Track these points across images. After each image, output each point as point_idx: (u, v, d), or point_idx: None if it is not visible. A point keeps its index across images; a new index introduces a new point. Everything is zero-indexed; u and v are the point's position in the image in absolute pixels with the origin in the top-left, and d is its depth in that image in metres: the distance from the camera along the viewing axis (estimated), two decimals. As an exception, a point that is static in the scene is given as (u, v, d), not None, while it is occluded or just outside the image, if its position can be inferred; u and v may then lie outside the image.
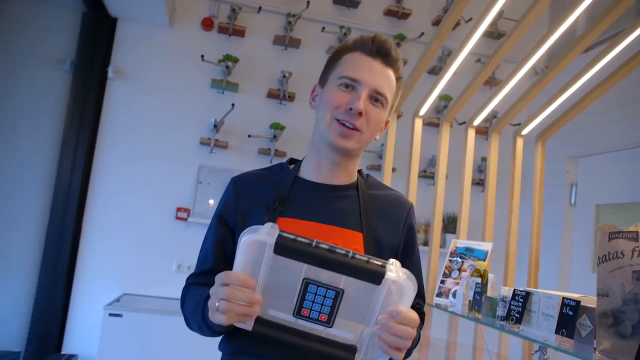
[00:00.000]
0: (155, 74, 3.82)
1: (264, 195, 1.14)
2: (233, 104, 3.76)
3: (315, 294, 0.87)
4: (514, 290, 1.85)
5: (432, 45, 2.57)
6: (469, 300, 2.09)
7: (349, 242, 1.10)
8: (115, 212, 3.68)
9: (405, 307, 0.88)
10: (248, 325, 0.90)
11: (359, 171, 1.24)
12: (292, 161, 1.25)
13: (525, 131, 2.89)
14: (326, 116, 1.11)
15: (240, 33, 3.92)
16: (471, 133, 2.82)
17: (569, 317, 1.56)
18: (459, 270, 2.41)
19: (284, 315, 0.90)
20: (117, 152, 3.72)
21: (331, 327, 0.89)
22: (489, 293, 2.11)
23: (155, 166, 3.77)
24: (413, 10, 4.14)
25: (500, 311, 1.90)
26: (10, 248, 3.51)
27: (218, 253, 1.14)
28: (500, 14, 4.00)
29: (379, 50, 1.12)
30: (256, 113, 3.95)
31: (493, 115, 3.97)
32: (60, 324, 3.52)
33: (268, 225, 0.88)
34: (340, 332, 0.90)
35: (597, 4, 2.14)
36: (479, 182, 4.12)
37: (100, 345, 3.10)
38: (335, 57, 1.17)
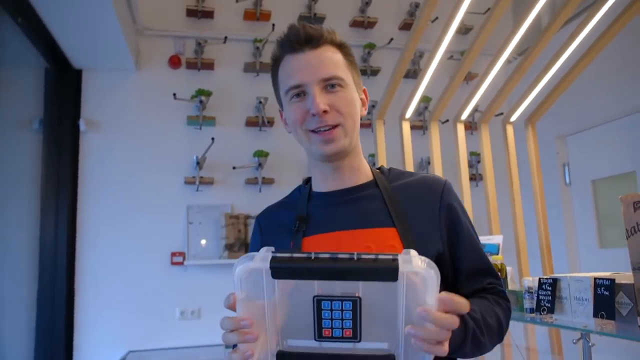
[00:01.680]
0: (129, 120, 3.73)
1: (285, 222, 1.08)
2: (213, 138, 3.67)
3: (331, 309, 0.77)
4: (539, 279, 1.77)
5: (407, 49, 2.54)
6: (492, 298, 2.01)
7: (384, 241, 0.99)
8: (108, 270, 3.54)
9: (431, 300, 0.76)
10: None
11: (379, 168, 1.14)
12: (309, 180, 1.17)
13: (513, 117, 2.87)
14: (300, 135, 1.04)
15: (209, 66, 3.85)
16: (460, 128, 2.78)
17: (606, 297, 1.49)
18: (474, 268, 2.34)
19: (305, 343, 0.79)
20: (101, 206, 3.60)
21: (359, 341, 0.78)
22: (510, 287, 2.04)
23: (143, 214, 3.65)
24: (378, 18, 4.13)
25: (528, 303, 1.82)
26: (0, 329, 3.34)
27: None
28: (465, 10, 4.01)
29: (299, 41, 1.02)
30: (237, 144, 3.86)
31: (475, 109, 3.94)
32: (65, 396, 3.34)
33: (262, 250, 0.79)
34: (372, 343, 0.79)
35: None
36: (472, 177, 4.07)
37: (113, 411, 2.94)
38: (274, 74, 1.08)
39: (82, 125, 3.56)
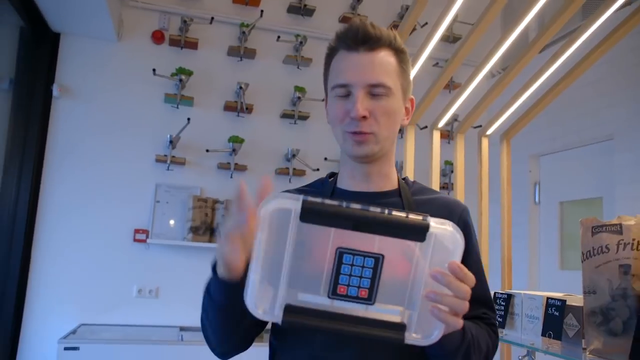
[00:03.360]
0: (105, 90, 3.64)
1: None
2: (189, 119, 3.61)
3: (352, 264, 0.75)
4: (495, 293, 1.78)
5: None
6: (447, 307, 2.02)
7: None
8: (68, 238, 3.46)
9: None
10: (277, 317, 0.77)
11: (404, 178, 1.15)
12: (332, 175, 1.17)
13: (489, 131, 2.88)
14: (337, 132, 1.05)
15: (192, 45, 3.78)
16: (436, 135, 2.78)
17: (555, 317, 1.51)
18: (434, 276, 2.35)
19: (316, 299, 0.77)
20: (67, 174, 3.51)
21: (373, 303, 0.76)
22: (467, 298, 2.04)
23: (109, 187, 3.57)
24: (368, 16, 4.11)
25: (481, 316, 1.83)
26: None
27: None
28: (455, 18, 4.02)
29: (355, 40, 1.01)
30: (213, 127, 3.81)
31: (454, 118, 3.96)
32: (10, 362, 3.26)
33: (286, 193, 0.77)
34: (384, 309, 0.77)
35: (546, 7, 2.17)
36: (444, 186, 4.10)
37: (56, 383, 2.87)
38: (326, 65, 1.09)
39: (55, 91, 3.46)
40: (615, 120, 3.13)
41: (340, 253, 0.75)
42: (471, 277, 0.76)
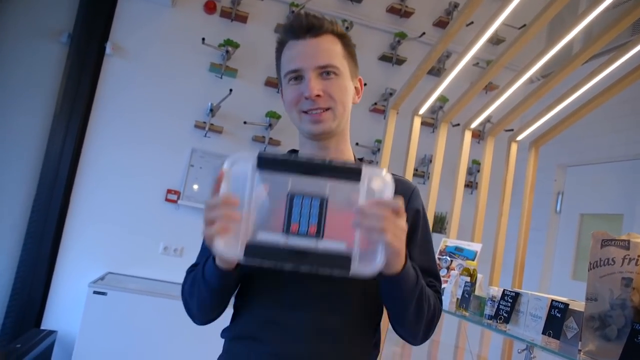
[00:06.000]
0: (154, 53, 3.80)
1: None
2: (231, 90, 3.75)
3: (301, 205, 0.89)
4: (504, 290, 1.89)
5: (437, 49, 2.60)
6: (457, 298, 2.14)
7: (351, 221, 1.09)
8: (104, 191, 3.66)
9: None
10: (239, 254, 0.89)
11: (361, 159, 1.23)
12: (293, 152, 1.26)
13: (520, 137, 2.94)
14: (294, 114, 1.13)
15: (242, 19, 3.90)
16: (467, 135, 2.86)
17: (557, 319, 1.61)
18: (448, 268, 2.46)
19: (273, 236, 0.89)
20: (110, 129, 3.70)
21: (322, 237, 0.89)
22: (477, 292, 2.16)
23: (148, 146, 3.75)
24: (416, 10, 4.16)
25: (488, 310, 1.94)
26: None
27: None
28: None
29: (301, 29, 1.09)
30: (253, 100, 3.94)
31: (487, 119, 4.02)
32: (42, 299, 3.50)
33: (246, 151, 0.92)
34: (332, 242, 0.89)
35: (594, 20, 2.20)
36: (469, 184, 4.17)
37: (83, 323, 3.09)
38: (277, 57, 1.16)
39: (109, 49, 3.63)
40: (646, 141, 3.16)
41: (292, 196, 0.89)
42: (391, 203, 0.87)
